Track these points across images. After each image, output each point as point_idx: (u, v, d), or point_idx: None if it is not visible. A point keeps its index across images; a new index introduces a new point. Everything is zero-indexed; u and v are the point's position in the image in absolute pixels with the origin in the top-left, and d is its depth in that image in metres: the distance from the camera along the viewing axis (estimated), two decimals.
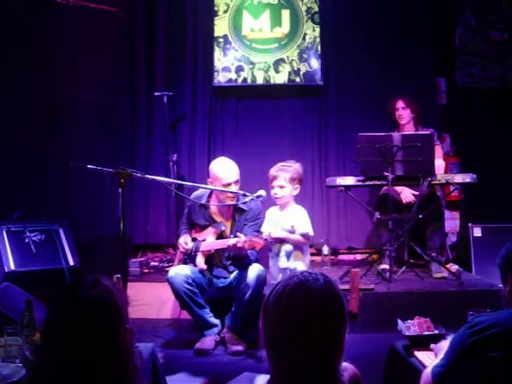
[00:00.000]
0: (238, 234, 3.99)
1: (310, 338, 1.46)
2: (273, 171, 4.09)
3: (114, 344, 1.58)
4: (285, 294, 1.51)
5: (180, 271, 4.09)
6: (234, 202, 4.17)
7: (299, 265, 3.96)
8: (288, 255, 3.94)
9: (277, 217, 4.09)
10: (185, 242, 4.27)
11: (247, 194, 3.82)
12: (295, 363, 1.47)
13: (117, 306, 1.63)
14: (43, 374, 1.56)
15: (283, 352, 1.49)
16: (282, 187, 4.01)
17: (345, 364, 1.59)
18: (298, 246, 4.01)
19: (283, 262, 3.94)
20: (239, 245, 3.86)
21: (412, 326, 2.77)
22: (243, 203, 4.01)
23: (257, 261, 4.15)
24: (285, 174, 4.02)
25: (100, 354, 1.55)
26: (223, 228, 4.23)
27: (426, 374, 2.10)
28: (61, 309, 1.63)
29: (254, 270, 4.02)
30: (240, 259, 4.14)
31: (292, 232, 3.98)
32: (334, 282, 1.56)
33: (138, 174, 3.28)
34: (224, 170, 4.23)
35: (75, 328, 1.56)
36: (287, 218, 4.02)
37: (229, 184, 4.14)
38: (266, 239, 3.87)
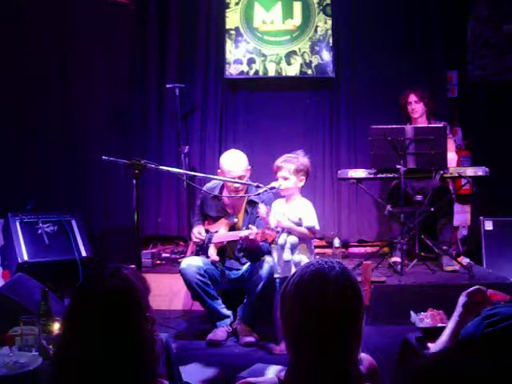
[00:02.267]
0: (251, 226, 3.99)
1: (328, 326, 1.47)
2: (278, 162, 4.05)
3: (133, 333, 1.59)
4: (302, 283, 1.52)
5: (192, 262, 4.11)
6: (241, 194, 4.19)
7: (303, 258, 3.89)
8: (293, 248, 3.91)
9: (284, 208, 4.06)
10: (198, 232, 4.29)
11: (260, 185, 3.82)
12: (314, 352, 1.48)
13: (136, 296, 1.64)
14: (65, 361, 1.58)
15: (302, 341, 1.50)
16: (286, 179, 3.97)
17: (362, 354, 1.60)
18: (303, 240, 3.99)
19: (287, 255, 3.90)
20: (251, 237, 3.87)
21: (425, 318, 2.78)
22: (256, 195, 4.01)
23: (269, 253, 4.16)
24: (289, 166, 3.98)
25: (120, 342, 1.57)
26: (236, 220, 4.24)
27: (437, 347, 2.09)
28: (80, 299, 1.65)
29: (266, 262, 4.03)
30: (252, 251, 4.15)
31: (299, 224, 3.96)
32: (349, 269, 1.57)
33: (153, 166, 3.29)
34: (229, 164, 4.21)
35: (94, 318, 1.57)
36: (294, 209, 4.00)
37: (232, 178, 4.14)
38: (277, 231, 3.87)
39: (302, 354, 1.50)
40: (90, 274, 1.70)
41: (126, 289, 1.61)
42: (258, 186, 3.84)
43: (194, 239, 4.31)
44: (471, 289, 2.20)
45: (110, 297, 1.59)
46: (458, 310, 2.17)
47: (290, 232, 3.89)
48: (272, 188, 3.81)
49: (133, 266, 3.14)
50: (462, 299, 2.20)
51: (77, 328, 1.59)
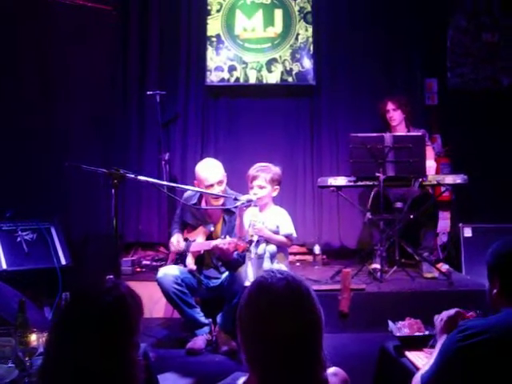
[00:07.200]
0: (222, 236, 4.03)
1: (282, 337, 1.46)
2: (253, 171, 4.04)
3: (116, 355, 1.56)
4: (249, 300, 1.52)
5: (169, 272, 4.09)
6: (218, 204, 4.16)
7: (282, 267, 3.89)
8: (272, 257, 3.91)
9: (259, 218, 4.04)
10: (177, 241, 4.28)
11: (238, 197, 3.80)
12: (273, 366, 1.47)
13: (126, 317, 1.61)
14: (50, 375, 1.55)
15: (257, 355, 1.50)
16: (261, 187, 3.97)
17: (336, 368, 1.59)
18: (280, 248, 3.98)
19: (267, 264, 3.90)
20: (222, 246, 3.87)
21: (403, 327, 2.78)
22: (234, 207, 3.99)
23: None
24: (265, 175, 3.98)
25: (100, 363, 1.53)
26: (212, 229, 4.22)
27: (416, 379, 2.10)
28: (70, 310, 1.62)
29: (244, 271, 4.02)
30: (226, 262, 4.15)
31: (276, 233, 3.96)
32: (298, 279, 1.54)
33: (131, 175, 3.27)
34: (205, 171, 4.18)
35: (79, 333, 1.54)
36: (271, 218, 4.00)
37: (211, 185, 4.11)
38: (249, 241, 3.86)
39: (260, 368, 1.49)
40: (87, 287, 1.66)
41: (116, 309, 1.58)
42: (235, 199, 3.83)
43: (173, 249, 4.30)
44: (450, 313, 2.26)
45: (98, 314, 1.55)
46: (440, 335, 2.21)
47: (268, 241, 3.89)
48: (249, 201, 3.78)
49: (110, 276, 3.14)
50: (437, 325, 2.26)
51: (60, 338, 1.56)
